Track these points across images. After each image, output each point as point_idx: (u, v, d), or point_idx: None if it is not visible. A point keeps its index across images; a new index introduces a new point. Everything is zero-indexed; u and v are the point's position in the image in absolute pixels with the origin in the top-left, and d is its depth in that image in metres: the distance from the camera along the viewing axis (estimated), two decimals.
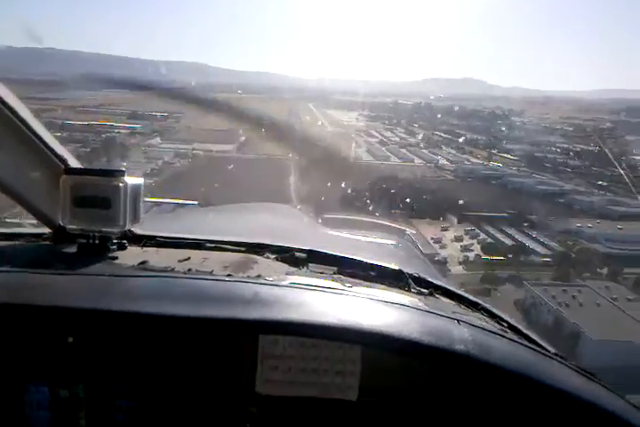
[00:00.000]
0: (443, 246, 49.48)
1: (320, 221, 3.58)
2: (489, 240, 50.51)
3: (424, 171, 67.62)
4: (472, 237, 51.60)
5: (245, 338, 1.25)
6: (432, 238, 49.07)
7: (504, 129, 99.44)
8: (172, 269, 1.49)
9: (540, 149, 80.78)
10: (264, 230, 2.28)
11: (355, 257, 1.70)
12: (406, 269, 1.70)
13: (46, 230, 1.73)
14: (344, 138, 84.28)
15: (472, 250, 49.47)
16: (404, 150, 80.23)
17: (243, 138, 76.29)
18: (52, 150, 1.61)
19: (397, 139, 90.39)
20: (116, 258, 1.57)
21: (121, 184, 1.56)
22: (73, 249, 1.62)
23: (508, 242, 49.81)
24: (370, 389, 1.25)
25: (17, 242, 1.73)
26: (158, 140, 75.31)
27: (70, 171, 1.61)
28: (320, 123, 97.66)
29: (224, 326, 1.25)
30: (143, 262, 1.53)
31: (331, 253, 1.72)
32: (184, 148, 69.74)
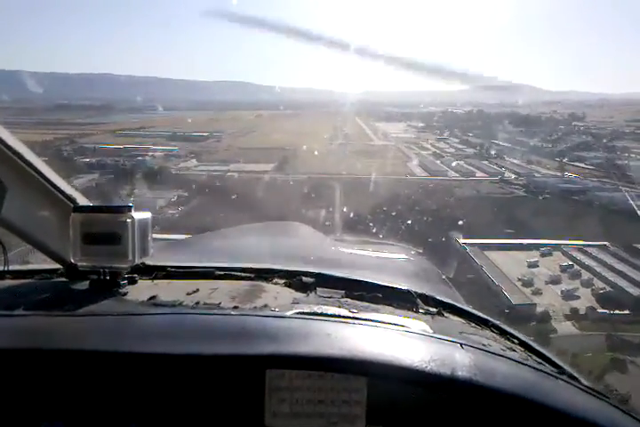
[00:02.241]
0: (536, 291, 33.65)
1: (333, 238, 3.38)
2: (602, 287, 33.79)
3: (488, 187, 55.92)
4: (572, 277, 35.84)
5: (253, 372, 1.25)
6: (519, 280, 34.55)
7: (569, 135, 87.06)
8: (181, 304, 1.50)
9: (618, 155, 67.79)
10: (274, 252, 2.27)
11: (362, 279, 1.71)
12: (415, 288, 1.70)
13: (60, 266, 1.73)
14: (393, 152, 73.80)
15: (578, 297, 33.51)
16: (461, 163, 68.48)
17: (283, 156, 66.87)
18: (59, 190, 1.65)
19: (452, 150, 78.66)
20: (127, 293, 1.58)
21: (128, 220, 1.57)
22: (85, 286, 1.64)
23: (623, 284, 33.27)
24: (377, 416, 1.25)
25: (31, 280, 1.73)
26: (194, 162, 66.85)
27: (79, 209, 1.62)
28: (367, 136, 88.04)
29: (231, 362, 1.25)
30: (152, 298, 1.54)
31: (339, 275, 1.73)
32: (220, 169, 60.71)
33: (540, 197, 51.12)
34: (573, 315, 31.32)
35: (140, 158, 62.36)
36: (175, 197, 47.87)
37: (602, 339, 27.65)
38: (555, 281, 35.20)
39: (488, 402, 1.17)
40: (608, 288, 33.54)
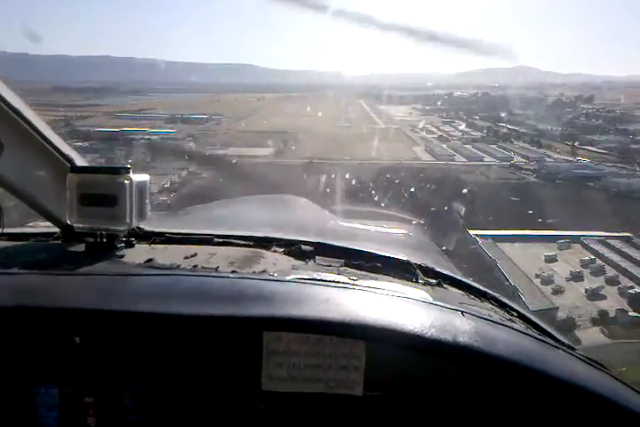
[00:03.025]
0: (558, 290, 29.16)
1: (331, 211, 3.27)
2: (630, 285, 29.18)
3: (498, 172, 52.44)
4: (595, 273, 31.47)
5: (250, 335, 1.24)
6: (537, 276, 30.23)
7: (578, 118, 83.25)
8: (178, 267, 1.47)
9: (631, 139, 64.12)
10: (273, 223, 2.21)
11: (362, 249, 1.68)
12: (415, 260, 1.67)
13: (56, 230, 1.70)
14: (398, 135, 70.24)
15: (604, 296, 29.10)
16: (468, 146, 64.86)
17: (283, 140, 63.54)
18: (57, 149, 1.60)
19: (459, 133, 74.96)
20: (123, 256, 1.55)
21: (126, 181, 1.52)
22: (81, 248, 1.60)
23: None
24: (375, 383, 1.23)
25: (27, 242, 1.70)
26: (192, 145, 63.35)
27: (76, 169, 1.58)
28: (371, 119, 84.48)
29: (228, 324, 1.23)
30: (149, 260, 1.50)
31: (338, 244, 1.70)
32: (218, 154, 57.31)
33: (552, 184, 47.70)
34: (602, 319, 26.82)
35: (135, 142, 59.17)
36: (168, 184, 44.70)
37: (637, 348, 22.84)
38: (576, 277, 30.97)
39: (489, 370, 1.16)
40: (638, 287, 29.33)
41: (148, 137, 64.32)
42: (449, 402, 1.23)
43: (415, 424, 1.26)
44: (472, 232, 33.65)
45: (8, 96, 1.43)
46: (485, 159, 59.08)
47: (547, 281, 29.90)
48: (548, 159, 58.80)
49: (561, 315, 26.33)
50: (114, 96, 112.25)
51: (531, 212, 37.69)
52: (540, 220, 35.83)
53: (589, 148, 64.16)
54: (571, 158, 59.26)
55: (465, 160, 58.42)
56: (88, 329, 1.26)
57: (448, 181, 44.59)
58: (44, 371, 1.27)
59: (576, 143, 65.95)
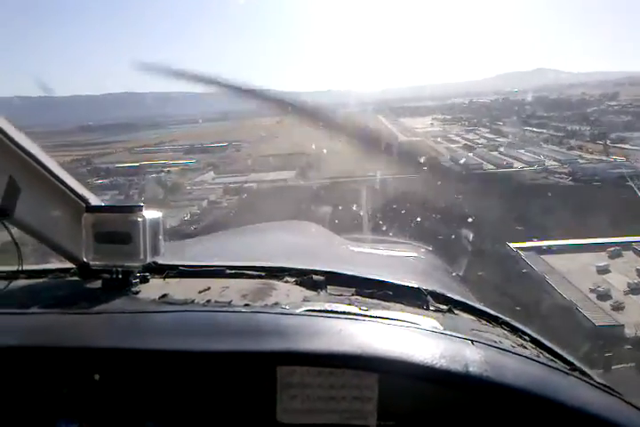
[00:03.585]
0: (617, 306, 25.16)
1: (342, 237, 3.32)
2: None
3: (530, 177, 49.34)
4: None
5: (264, 369, 1.25)
6: (591, 291, 26.37)
7: (605, 115, 79.46)
8: (192, 302, 1.49)
9: None
10: (284, 250, 2.25)
11: (373, 277, 1.69)
12: (426, 285, 1.69)
13: (73, 265, 1.73)
14: (421, 147, 67.66)
15: None
16: (495, 153, 61.79)
17: (304, 161, 61.49)
18: (72, 190, 1.64)
19: (484, 141, 71.90)
20: (139, 292, 1.58)
21: (140, 219, 1.57)
22: (97, 284, 1.64)
23: None
24: (389, 413, 1.25)
25: (45, 279, 1.73)
26: (212, 174, 62.09)
27: (91, 209, 1.63)
28: (392, 132, 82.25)
29: (242, 359, 1.25)
30: (164, 296, 1.53)
31: (349, 273, 1.71)
32: (237, 181, 55.51)
33: (591, 186, 44.38)
34: None
35: (153, 176, 57.88)
36: (188, 216, 42.86)
37: None
38: (635, 290, 27.05)
39: (499, 399, 1.16)
40: None
41: (167, 169, 63.12)
42: None
43: None
44: (513, 245, 30.68)
45: (22, 141, 1.46)
46: (515, 165, 56.00)
47: (603, 296, 26.22)
48: (581, 160, 55.43)
49: (629, 332, 22.95)
50: (135, 131, 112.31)
51: (571, 218, 34.61)
52: (584, 226, 32.69)
53: (622, 146, 60.50)
54: (605, 158, 55.74)
55: (494, 168, 55.46)
56: (107, 366, 1.28)
57: (478, 192, 41.81)
58: (64, 407, 1.28)
59: (607, 142, 62.37)
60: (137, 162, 68.01)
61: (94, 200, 1.70)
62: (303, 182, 54.22)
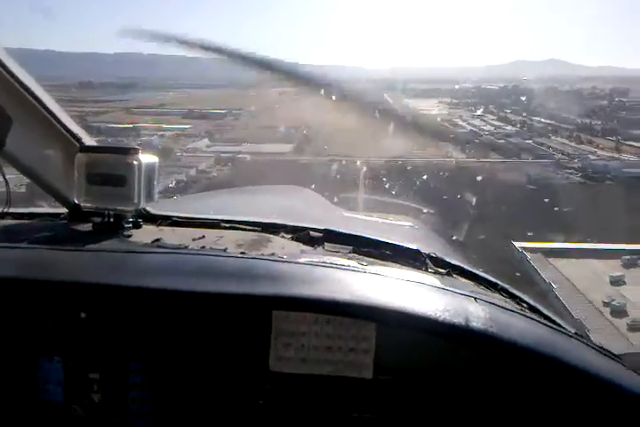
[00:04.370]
0: (635, 327, 20.68)
1: (336, 200, 3.28)
2: None
3: (538, 171, 45.84)
4: None
5: (259, 314, 1.21)
6: (605, 304, 22.45)
7: (617, 111, 75.61)
8: (186, 247, 1.45)
9: None
10: (280, 211, 2.21)
11: (370, 236, 1.63)
12: (424, 248, 1.63)
13: (63, 210, 1.68)
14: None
15: None
16: (502, 142, 58.08)
17: (304, 135, 57.75)
18: (66, 129, 1.58)
19: (491, 128, 67.94)
20: (131, 236, 1.54)
21: (135, 162, 1.51)
22: (88, 227, 1.59)
23: None
24: (385, 367, 1.21)
25: (33, 221, 1.67)
26: (206, 141, 58.41)
27: (85, 149, 1.57)
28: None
29: (237, 302, 1.21)
30: (157, 240, 1.48)
31: (346, 232, 1.65)
32: (232, 150, 51.83)
33: (603, 185, 41.00)
34: None
35: (145, 138, 54.16)
36: (173, 183, 39.45)
37: None
38: None
39: (501, 355, 1.13)
40: None
41: (161, 133, 59.46)
42: (459, 387, 1.19)
43: (425, 409, 1.23)
44: (518, 244, 27.37)
45: (18, 73, 1.40)
46: (522, 156, 52.43)
47: (619, 312, 22.48)
48: (591, 156, 51.90)
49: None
50: (138, 91, 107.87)
51: (581, 218, 31.29)
52: (594, 229, 29.36)
53: (634, 143, 56.92)
54: (617, 155, 52.23)
55: (500, 157, 51.91)
56: (94, 304, 1.23)
57: (485, 182, 38.34)
58: (48, 344, 1.24)
59: (619, 138, 58.77)
60: (132, 123, 64.33)
61: (88, 140, 1.61)
62: (301, 157, 50.68)
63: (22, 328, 1.23)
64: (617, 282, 24.84)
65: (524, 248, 27.08)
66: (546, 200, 34.41)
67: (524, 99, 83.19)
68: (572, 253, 27.05)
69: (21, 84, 1.41)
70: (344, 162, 42.83)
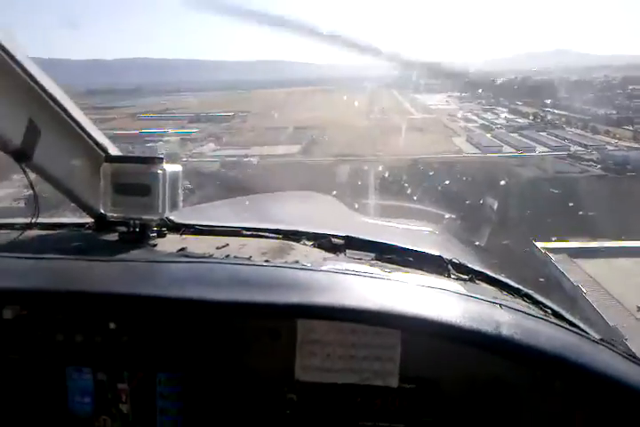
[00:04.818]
0: None
1: (357, 206, 3.30)
2: None
3: (555, 164, 43.86)
4: None
5: (284, 323, 1.21)
6: (639, 309, 19.92)
7: (632, 100, 73.03)
8: (211, 256, 1.46)
9: None
10: (301, 218, 2.25)
11: (392, 243, 1.63)
12: (446, 254, 1.62)
13: (88, 220, 1.68)
14: (436, 125, 62.06)
15: None
16: (515, 135, 56.08)
17: (311, 135, 56.25)
18: (92, 138, 1.58)
19: (503, 121, 65.97)
20: (156, 245, 1.54)
21: (159, 171, 1.52)
22: (114, 237, 1.60)
23: None
24: (411, 375, 1.20)
25: (59, 231, 1.67)
26: (212, 146, 57.10)
27: (110, 159, 1.57)
28: (406, 109, 76.53)
29: (263, 311, 1.21)
30: (182, 249, 1.49)
31: (368, 238, 1.65)
32: (238, 154, 50.47)
33: (624, 177, 38.94)
34: None
35: (150, 145, 52.92)
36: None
37: None
38: None
39: (529, 362, 1.11)
40: None
41: (167, 138, 58.28)
42: (486, 396, 1.18)
43: (451, 418, 1.21)
44: (541, 245, 25.58)
45: (45, 82, 1.40)
46: (537, 149, 50.38)
47: None
48: (609, 147, 49.72)
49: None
50: (144, 97, 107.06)
51: (604, 214, 29.42)
52: (620, 225, 27.46)
53: None
54: (635, 145, 50.00)
55: (514, 151, 49.93)
56: (123, 315, 1.24)
57: (499, 177, 36.54)
58: (77, 355, 1.24)
59: (636, 127, 56.48)
60: (138, 129, 63.26)
61: (114, 150, 1.62)
62: (310, 159, 49.17)
63: (51, 339, 1.23)
64: None
65: (547, 249, 25.27)
66: (569, 203, 32.52)
67: (534, 90, 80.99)
68: (598, 252, 25.15)
69: (49, 95, 1.40)
70: (354, 163, 41.26)
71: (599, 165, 42.96)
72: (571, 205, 30.65)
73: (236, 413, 1.23)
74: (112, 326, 1.22)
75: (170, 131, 62.65)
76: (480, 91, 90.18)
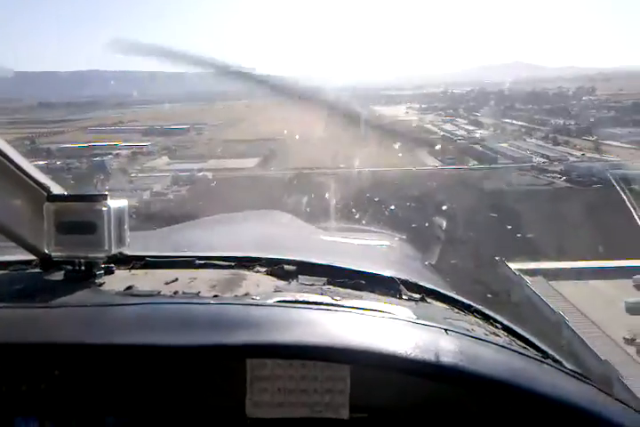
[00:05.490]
0: None
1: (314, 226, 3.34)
2: None
3: (519, 176, 42.36)
4: None
5: (233, 362, 1.20)
6: (627, 341, 18.04)
7: (587, 110, 73.06)
8: (159, 293, 1.41)
9: None
10: (256, 240, 2.21)
11: (345, 266, 1.63)
12: (398, 274, 1.65)
13: (34, 257, 1.65)
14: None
15: None
16: (476, 147, 54.69)
17: (269, 148, 53.71)
18: (32, 178, 1.55)
19: (463, 132, 64.60)
20: (103, 284, 1.50)
21: (104, 208, 1.49)
22: (60, 276, 1.55)
23: None
24: (361, 405, 1.21)
25: (3, 271, 1.64)
26: (166, 159, 53.98)
27: (53, 198, 1.54)
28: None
29: (211, 352, 1.19)
30: (129, 288, 1.45)
31: (321, 263, 1.65)
32: (193, 168, 47.56)
33: (590, 189, 37.52)
34: None
35: (98, 159, 49.35)
36: None
37: None
38: None
39: (474, 388, 1.13)
40: None
41: (117, 152, 54.80)
42: (437, 422, 1.20)
43: None
44: (514, 266, 23.44)
45: None
46: (500, 161, 48.94)
47: None
48: (572, 158, 48.62)
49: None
50: (98, 110, 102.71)
51: (576, 230, 27.63)
52: (594, 242, 25.53)
53: (611, 142, 54.00)
54: (598, 156, 49.08)
55: (476, 163, 48.36)
56: (67, 362, 1.21)
57: (467, 191, 34.57)
58: (23, 404, 1.22)
59: (595, 138, 55.81)
60: (87, 143, 59.49)
61: (56, 189, 1.59)
62: (267, 172, 46.53)
63: None
64: (635, 310, 20.54)
65: (522, 270, 23.13)
66: (532, 208, 30.72)
67: (492, 101, 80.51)
68: (575, 272, 23.16)
69: None
70: (313, 176, 38.76)
71: (564, 177, 41.60)
72: (533, 216, 28.81)
73: None
74: (57, 373, 1.18)
75: (121, 144, 59.11)
76: (437, 102, 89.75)
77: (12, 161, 1.47)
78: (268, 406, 1.17)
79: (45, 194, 1.54)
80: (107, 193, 1.50)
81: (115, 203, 1.51)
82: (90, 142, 59.70)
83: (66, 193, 1.60)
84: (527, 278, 22.76)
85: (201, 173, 45.19)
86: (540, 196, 35.31)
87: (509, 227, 26.66)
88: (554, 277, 23.00)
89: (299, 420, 1.17)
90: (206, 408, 1.20)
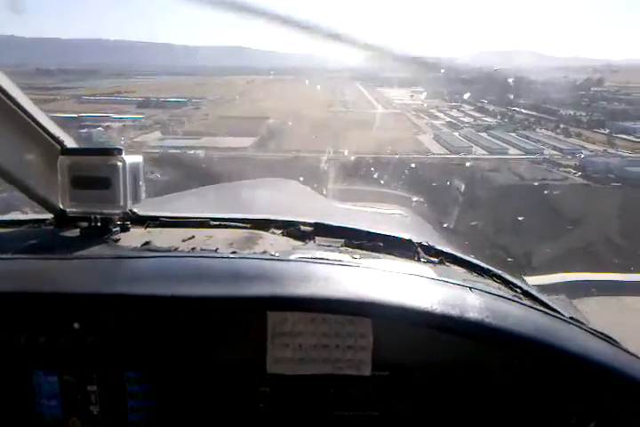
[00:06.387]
0: None
1: (325, 192, 3.17)
2: None
3: (531, 169, 38.93)
4: None
5: (254, 316, 1.19)
6: None
7: (597, 102, 69.29)
8: (176, 249, 1.39)
9: None
10: (269, 206, 2.16)
11: (362, 228, 1.59)
12: (416, 237, 1.60)
13: (49, 216, 1.61)
14: (401, 121, 56.57)
15: None
16: (484, 135, 51.08)
17: (268, 127, 49.94)
18: (47, 131, 1.51)
19: (470, 119, 60.97)
20: (119, 240, 1.48)
21: (119, 163, 1.44)
22: (75, 233, 1.53)
23: None
24: (384, 363, 1.19)
25: (18, 228, 1.60)
26: (158, 134, 50.28)
27: (67, 151, 1.50)
28: (370, 103, 70.92)
29: (231, 305, 1.17)
30: (146, 243, 1.43)
31: (337, 224, 1.61)
32: (186, 145, 43.89)
33: (610, 187, 34.15)
34: None
35: (85, 131, 45.55)
36: None
37: None
38: None
39: (499, 345, 1.10)
40: None
41: (107, 124, 50.97)
42: (459, 380, 1.17)
43: (426, 404, 1.21)
44: (532, 280, 20.13)
45: None
46: (510, 151, 45.43)
47: None
48: (585, 152, 45.12)
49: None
50: (96, 79, 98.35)
51: (599, 237, 24.47)
52: (621, 251, 22.35)
53: (625, 136, 50.46)
54: (612, 151, 45.61)
55: (485, 153, 44.89)
56: (87, 314, 1.20)
57: (473, 185, 31.11)
58: (42, 357, 1.20)
59: (607, 131, 52.23)
60: (79, 112, 55.64)
61: (70, 143, 1.55)
62: (265, 154, 42.97)
63: (15, 341, 1.19)
64: None
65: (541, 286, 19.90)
66: (547, 207, 27.46)
67: (498, 88, 76.66)
68: (599, 287, 19.96)
69: None
70: (312, 160, 35.18)
71: (579, 173, 38.19)
72: (549, 220, 25.52)
73: (208, 409, 1.21)
74: (76, 326, 1.17)
75: (113, 116, 55.26)
76: (443, 87, 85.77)
77: (27, 112, 1.39)
78: (289, 362, 1.15)
79: (59, 148, 1.48)
80: (122, 148, 1.42)
81: (130, 158, 1.44)
82: (80, 113, 55.84)
83: (80, 147, 1.52)
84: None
85: (192, 152, 41.56)
86: (553, 194, 31.93)
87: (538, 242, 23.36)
88: (576, 294, 19.79)
89: (319, 376, 1.15)
90: (226, 363, 1.17)
